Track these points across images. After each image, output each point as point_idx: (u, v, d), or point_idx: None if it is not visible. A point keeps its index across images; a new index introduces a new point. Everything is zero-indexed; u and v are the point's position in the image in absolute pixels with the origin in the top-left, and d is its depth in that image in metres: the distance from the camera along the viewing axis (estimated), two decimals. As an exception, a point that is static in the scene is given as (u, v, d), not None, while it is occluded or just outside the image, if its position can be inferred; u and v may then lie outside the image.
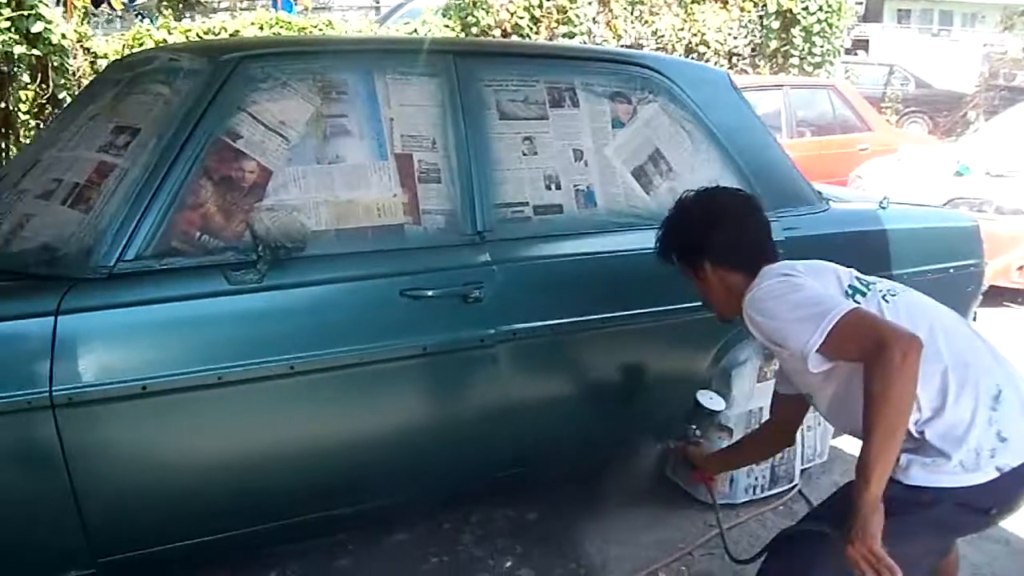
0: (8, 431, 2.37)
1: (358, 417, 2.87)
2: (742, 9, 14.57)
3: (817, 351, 2.13)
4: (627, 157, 3.29)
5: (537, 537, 3.57)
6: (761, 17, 14.56)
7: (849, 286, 2.30)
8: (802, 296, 2.21)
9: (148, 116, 2.79)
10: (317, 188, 2.77)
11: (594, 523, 3.65)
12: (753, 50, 14.78)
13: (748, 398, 3.48)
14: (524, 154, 3.11)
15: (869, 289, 2.30)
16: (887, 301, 2.26)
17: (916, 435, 2.13)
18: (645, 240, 3.16)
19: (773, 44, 14.54)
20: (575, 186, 3.18)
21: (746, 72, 14.07)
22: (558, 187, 3.14)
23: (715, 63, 13.75)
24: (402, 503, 3.12)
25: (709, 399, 3.02)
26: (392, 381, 2.86)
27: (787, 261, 2.41)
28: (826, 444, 4.00)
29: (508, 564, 3.41)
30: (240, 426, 2.68)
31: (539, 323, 3.01)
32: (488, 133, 3.05)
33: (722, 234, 2.48)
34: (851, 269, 2.41)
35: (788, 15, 14.28)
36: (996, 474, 2.10)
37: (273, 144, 2.72)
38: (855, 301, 2.23)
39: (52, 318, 2.37)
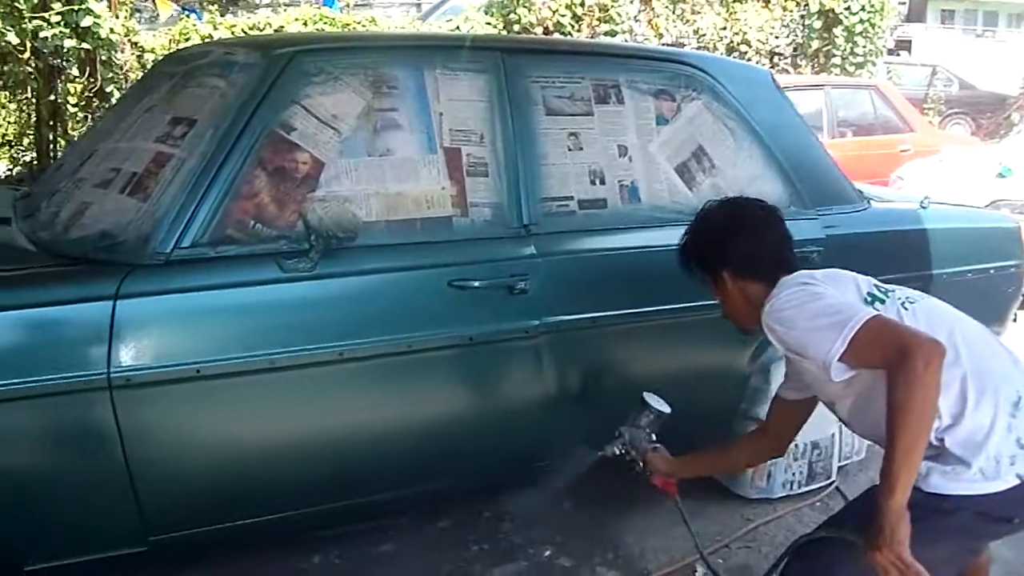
0: (67, 411, 2.45)
1: (404, 404, 2.92)
2: (784, 8, 14.49)
3: (839, 360, 2.12)
4: (671, 153, 3.33)
5: (576, 527, 3.61)
6: (803, 16, 14.49)
7: (868, 294, 2.30)
8: (822, 305, 2.21)
9: (204, 108, 2.85)
10: (368, 180, 2.82)
11: (633, 514, 3.69)
12: (795, 50, 14.71)
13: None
14: (569, 149, 3.15)
15: (888, 296, 2.30)
16: (906, 308, 2.25)
17: (936, 442, 2.12)
18: None
19: (815, 44, 14.47)
20: (619, 181, 3.22)
21: (787, 72, 14.01)
22: (602, 182, 3.18)
23: (756, 63, 13.69)
24: (445, 490, 3.18)
25: (657, 401, 2.95)
26: (438, 370, 2.92)
27: (805, 270, 2.40)
28: (864, 442, 3.99)
29: (547, 553, 3.46)
30: (290, 411, 2.74)
31: (582, 315, 3.06)
32: (534, 128, 3.10)
33: (741, 244, 2.48)
34: (869, 277, 2.41)
35: (830, 15, 14.20)
36: (1016, 481, 2.10)
37: (325, 136, 2.78)
38: (875, 308, 2.23)
39: (111, 302, 2.44)
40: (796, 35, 14.64)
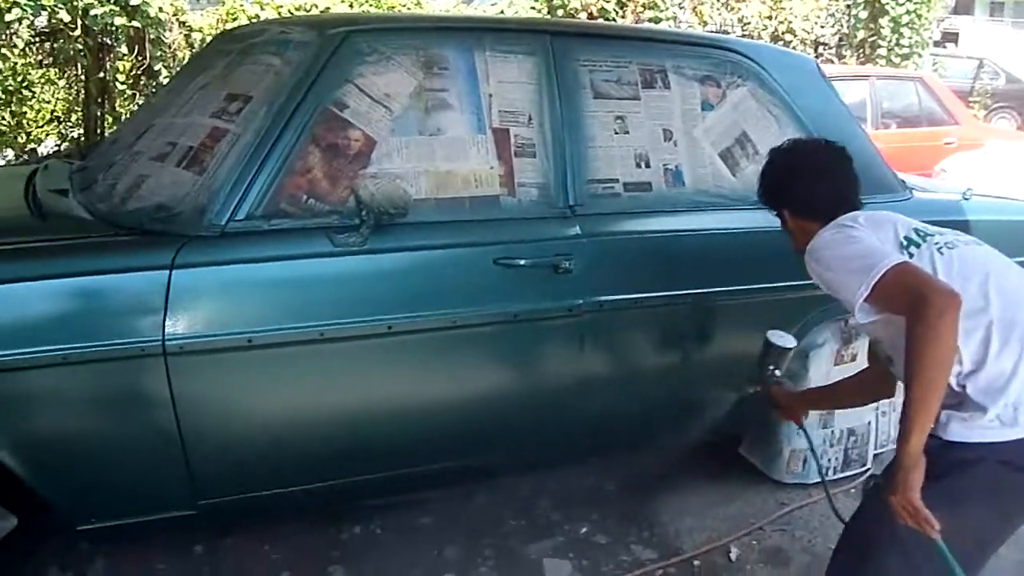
0: (123, 376, 2.53)
1: (449, 378, 2.97)
2: (830, -1, 14.44)
3: (864, 302, 2.16)
4: (715, 139, 3.36)
5: (613, 506, 3.68)
6: (849, 6, 14.40)
7: (905, 237, 2.30)
8: (855, 248, 2.24)
9: (259, 85, 2.91)
10: (418, 158, 2.87)
11: (670, 496, 3.75)
12: (840, 40, 14.62)
13: (824, 381, 3.51)
14: (616, 132, 3.18)
15: (925, 240, 2.29)
16: (941, 253, 2.25)
17: (957, 389, 2.15)
18: (731, 220, 3.28)
19: (860, 34, 14.37)
20: (664, 165, 3.25)
21: (832, 62, 13.93)
22: (647, 165, 3.22)
23: (801, 52, 13.63)
24: (486, 464, 3.23)
25: (780, 338, 3.02)
26: (482, 345, 2.97)
27: (852, 212, 2.43)
28: None
29: (584, 530, 3.52)
30: (338, 381, 2.80)
31: (625, 295, 3.09)
32: (582, 111, 3.13)
33: (797, 187, 2.53)
34: (913, 220, 2.41)
35: (876, 5, 14.12)
36: None
37: (378, 115, 2.84)
38: (908, 253, 2.24)
39: (167, 272, 2.51)
40: (841, 25, 14.54)
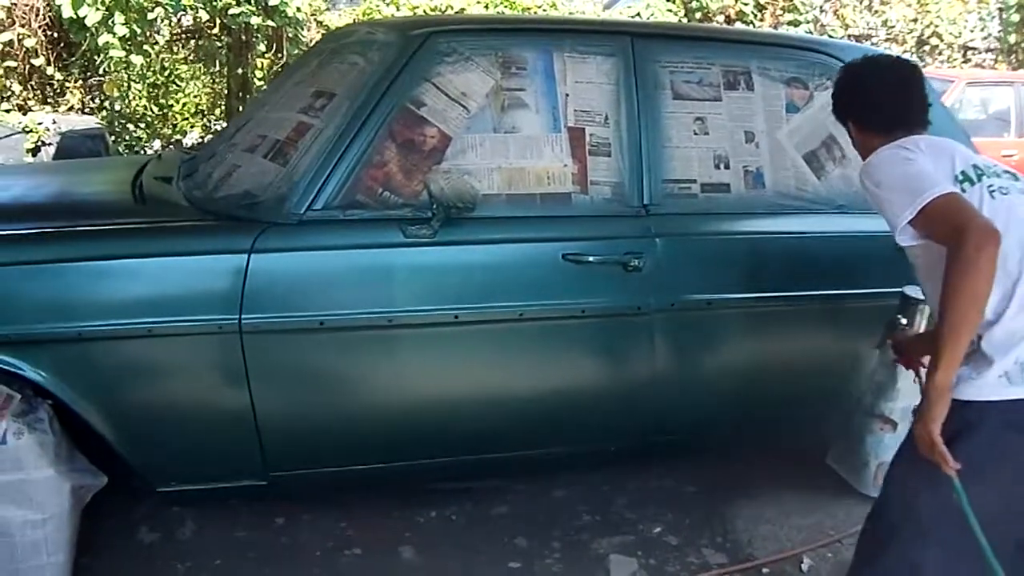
0: (202, 351, 2.73)
1: (514, 369, 3.07)
2: (980, 1, 13.97)
3: (907, 224, 2.17)
4: (800, 141, 3.36)
5: (689, 508, 3.69)
6: (1001, 9, 13.94)
7: (962, 172, 2.28)
8: (908, 170, 2.24)
9: (343, 83, 3.08)
10: (492, 155, 2.98)
11: (747, 502, 3.74)
12: (990, 45, 14.18)
13: (914, 392, 3.46)
14: (695, 133, 3.22)
15: (980, 180, 2.27)
16: (993, 196, 2.24)
17: (975, 338, 2.15)
18: (813, 224, 3.28)
19: (1012, 39, 13.89)
20: (744, 167, 3.27)
21: (981, 67, 13.52)
22: (727, 167, 3.24)
23: (948, 57, 13.28)
24: (551, 456, 3.31)
25: (914, 291, 3.00)
26: (548, 338, 3.05)
27: (914, 136, 2.40)
28: None
29: (657, 530, 3.54)
30: (405, 366, 2.93)
31: (697, 296, 3.13)
32: (660, 112, 3.18)
33: (865, 96, 2.53)
34: (974, 155, 2.39)
35: (1030, 8, 13.64)
36: None
37: (454, 113, 2.95)
38: (961, 188, 2.23)
39: (246, 255, 2.69)
40: (992, 29, 14.09)
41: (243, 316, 2.68)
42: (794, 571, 3.30)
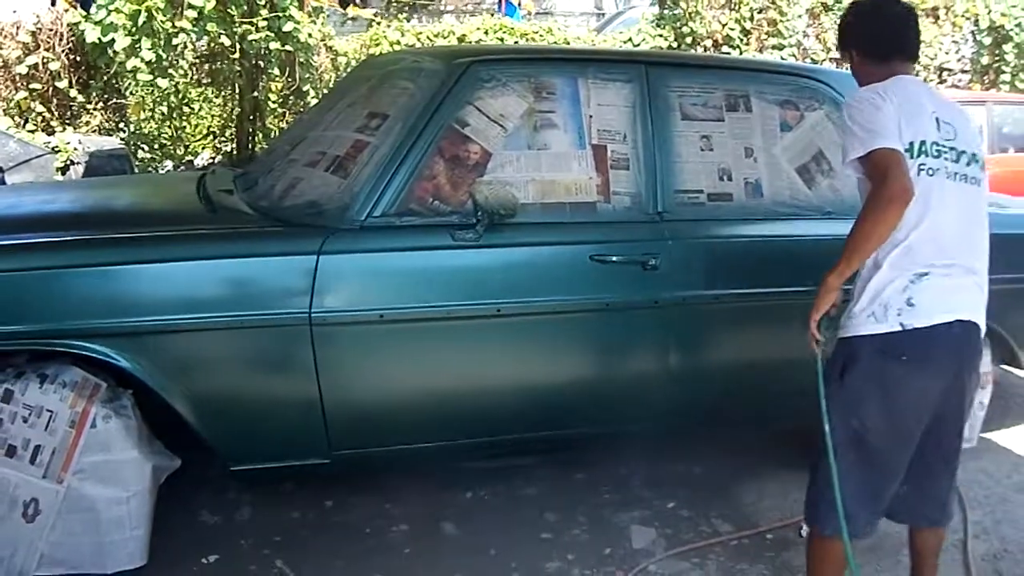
0: (276, 341, 3.08)
1: (548, 356, 3.43)
2: (954, 24, 14.40)
3: (851, 160, 2.67)
4: (793, 156, 3.74)
5: (699, 486, 4.07)
6: (973, 32, 14.37)
7: (921, 142, 2.68)
8: (873, 117, 2.64)
9: (395, 105, 3.46)
10: (527, 169, 3.36)
11: (751, 480, 4.13)
12: (964, 67, 14.58)
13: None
14: (701, 149, 3.61)
15: (933, 158, 2.68)
16: (918, 174, 2.64)
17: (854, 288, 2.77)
18: (806, 228, 3.65)
19: (984, 60, 14.34)
20: (745, 179, 3.66)
21: (956, 87, 13.91)
22: (730, 179, 3.63)
23: (925, 78, 13.63)
24: (579, 436, 3.67)
25: None
26: (578, 329, 3.43)
27: (900, 87, 2.75)
28: (975, 431, 4.25)
29: (671, 505, 3.91)
30: (454, 354, 3.29)
31: (706, 292, 3.51)
32: (671, 131, 3.56)
33: (864, 30, 2.93)
34: (937, 133, 2.73)
35: (1000, 31, 14.06)
36: (899, 327, 2.65)
37: (494, 132, 3.33)
38: (911, 156, 2.64)
39: (315, 256, 3.05)
40: (965, 52, 14.51)
41: (313, 310, 3.03)
42: (794, 536, 3.61)
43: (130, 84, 8.91)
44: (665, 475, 4.15)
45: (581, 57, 3.82)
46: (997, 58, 14.29)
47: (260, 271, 3.08)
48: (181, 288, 3.00)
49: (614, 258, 3.35)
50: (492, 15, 12.83)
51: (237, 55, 9.07)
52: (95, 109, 9.03)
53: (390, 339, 3.17)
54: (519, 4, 14.92)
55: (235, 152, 10.02)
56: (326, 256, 3.06)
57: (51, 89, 8.78)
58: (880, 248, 2.64)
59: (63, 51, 8.75)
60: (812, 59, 13.29)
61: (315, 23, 9.48)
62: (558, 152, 3.43)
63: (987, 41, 14.25)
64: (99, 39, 8.10)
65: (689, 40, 12.52)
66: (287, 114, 10.09)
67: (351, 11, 10.49)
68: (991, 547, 3.66)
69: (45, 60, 8.66)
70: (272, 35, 8.74)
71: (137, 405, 3.08)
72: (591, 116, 3.48)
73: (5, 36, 8.66)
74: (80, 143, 8.01)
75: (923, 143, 2.69)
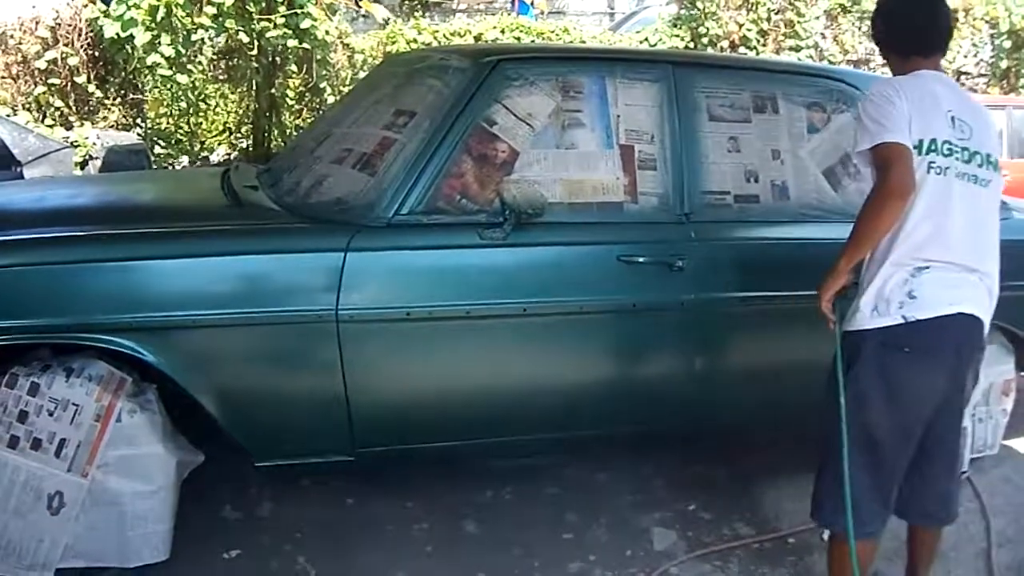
0: (302, 336, 3.07)
1: (575, 355, 3.43)
2: (973, 28, 14.36)
3: (860, 151, 2.74)
4: (819, 159, 3.73)
5: (720, 490, 4.06)
6: (992, 36, 14.32)
7: (932, 139, 2.71)
8: (884, 112, 2.68)
9: (423, 103, 3.45)
10: (554, 168, 3.34)
11: (771, 483, 4.11)
12: (983, 70, 14.54)
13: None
14: (728, 151, 3.60)
15: (944, 156, 2.71)
16: (928, 172, 2.69)
17: (861, 282, 2.82)
18: (832, 231, 3.56)
19: (1004, 64, 14.28)
20: (771, 181, 3.65)
21: (975, 91, 13.87)
22: (756, 180, 3.62)
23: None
24: (603, 436, 3.66)
25: None
26: (604, 329, 3.42)
27: (918, 83, 2.78)
28: (997, 438, 4.28)
29: (691, 507, 3.90)
30: (479, 353, 3.29)
31: (732, 294, 3.50)
32: (698, 132, 3.55)
33: (887, 24, 2.97)
34: (951, 132, 2.75)
35: (1020, 35, 14.00)
36: (901, 320, 2.70)
37: (521, 131, 3.32)
38: (919, 153, 2.68)
39: (343, 253, 3.04)
40: (984, 55, 14.46)
41: (339, 307, 3.02)
42: (815, 541, 3.62)
43: (148, 80, 8.92)
44: (686, 477, 4.14)
45: (608, 56, 3.82)
46: (1016, 62, 14.23)
47: (287, 267, 3.07)
48: (208, 283, 3.00)
49: (641, 259, 3.34)
50: (508, 14, 12.82)
51: (255, 52, 9.12)
52: (113, 104, 9.09)
53: (416, 337, 3.16)
54: (532, 3, 14.90)
55: (251, 148, 10.04)
56: (353, 253, 3.05)
57: (69, 84, 8.84)
58: (883, 242, 2.70)
59: (82, 46, 8.83)
60: (829, 60, 13.29)
61: (332, 20, 9.48)
62: (586, 152, 3.41)
63: (1007, 45, 14.18)
64: (118, 34, 8.14)
65: (705, 41, 12.50)
66: (303, 111, 10.11)
67: (364, 7, 10.43)
68: (1016, 556, 3.63)
69: (64, 55, 8.73)
70: (290, 32, 8.77)
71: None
72: (619, 116, 3.46)
73: (24, 31, 8.73)
74: (98, 138, 8.05)
75: (933, 141, 2.71)
